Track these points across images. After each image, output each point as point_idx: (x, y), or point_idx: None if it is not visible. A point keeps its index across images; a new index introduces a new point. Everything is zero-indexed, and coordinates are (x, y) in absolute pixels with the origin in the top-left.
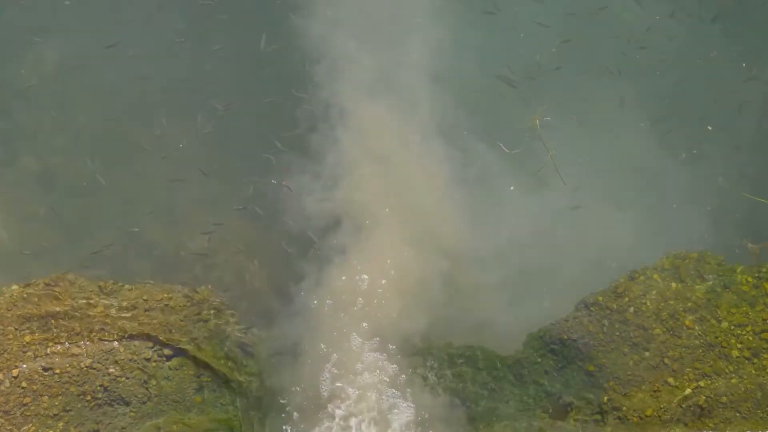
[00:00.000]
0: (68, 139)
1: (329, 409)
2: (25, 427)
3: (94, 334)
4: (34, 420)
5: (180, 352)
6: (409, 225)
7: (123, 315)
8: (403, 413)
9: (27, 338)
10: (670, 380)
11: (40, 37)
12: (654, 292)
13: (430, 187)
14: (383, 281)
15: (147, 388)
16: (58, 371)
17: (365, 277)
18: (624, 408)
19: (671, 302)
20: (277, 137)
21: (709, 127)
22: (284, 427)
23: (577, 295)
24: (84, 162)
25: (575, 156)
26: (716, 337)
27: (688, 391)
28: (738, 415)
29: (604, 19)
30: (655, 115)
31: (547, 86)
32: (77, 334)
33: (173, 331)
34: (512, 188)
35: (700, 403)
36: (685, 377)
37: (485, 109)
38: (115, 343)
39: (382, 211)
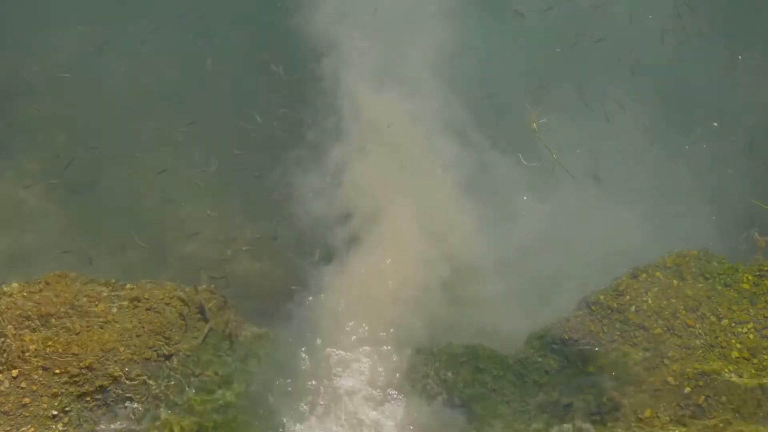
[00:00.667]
0: (70, 137)
1: (328, 409)
2: (24, 428)
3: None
4: (33, 421)
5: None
6: (413, 225)
7: (124, 314)
8: (403, 413)
9: (26, 337)
10: (670, 380)
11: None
12: (655, 290)
13: (435, 186)
14: (385, 281)
15: (146, 388)
16: (57, 371)
17: (368, 276)
18: (624, 408)
19: (672, 300)
20: (280, 137)
21: (715, 124)
22: (282, 427)
23: (579, 293)
24: (86, 160)
25: (577, 155)
26: (716, 337)
27: (687, 390)
28: (738, 416)
29: (604, 20)
30: (658, 114)
31: (551, 86)
32: (77, 333)
33: (173, 330)
34: (525, 198)
35: (699, 402)
36: (685, 377)
37: (491, 108)
38: (116, 342)
39: (387, 210)
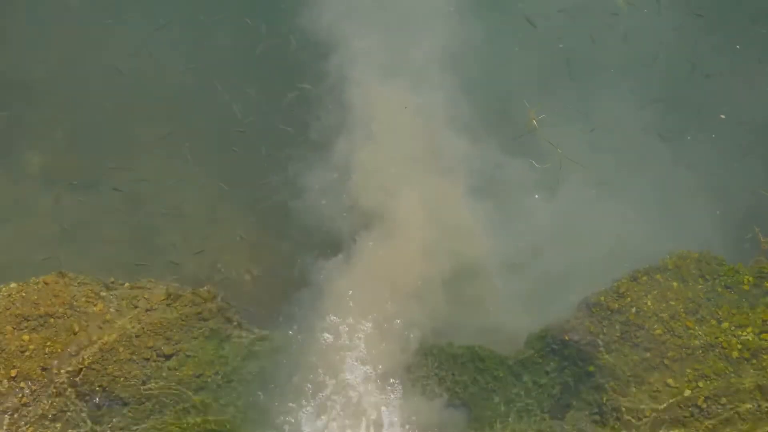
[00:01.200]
0: (71, 137)
1: (329, 409)
2: (23, 428)
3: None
4: (32, 420)
5: (179, 352)
6: (415, 222)
7: (123, 314)
8: (404, 414)
9: (25, 337)
10: (670, 381)
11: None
12: (656, 292)
13: (440, 183)
14: (388, 281)
15: (146, 388)
16: (56, 371)
17: (371, 277)
18: (623, 408)
19: (672, 302)
20: (287, 134)
21: (722, 116)
22: (283, 427)
23: (580, 294)
24: (86, 160)
25: (579, 157)
26: (716, 338)
27: (687, 392)
28: (737, 416)
29: (606, 17)
30: (660, 112)
31: (552, 86)
32: (76, 333)
33: (174, 330)
34: (537, 196)
35: (698, 403)
36: (685, 378)
37: (495, 105)
38: (115, 342)
39: (391, 207)
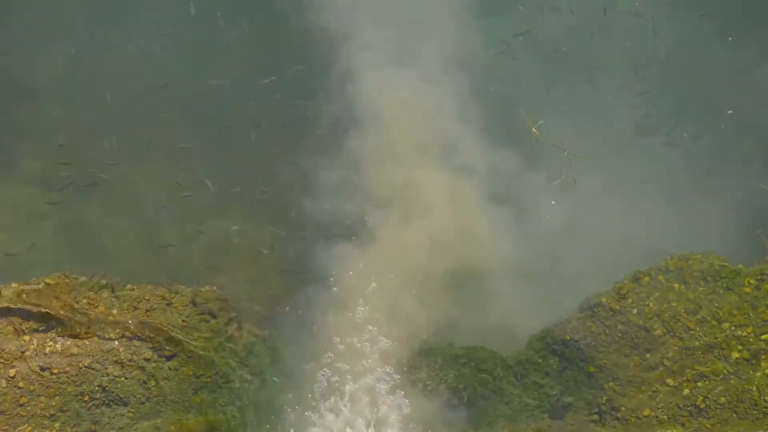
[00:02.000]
0: (72, 138)
1: (328, 409)
2: (21, 427)
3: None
4: (30, 420)
5: (180, 352)
6: (418, 222)
7: (125, 315)
8: (404, 413)
9: (25, 338)
10: (669, 381)
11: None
12: (657, 293)
13: (446, 181)
14: (389, 281)
15: (146, 389)
16: (56, 371)
17: (372, 278)
18: (622, 408)
19: (674, 303)
20: (293, 129)
21: (729, 111)
22: (283, 427)
23: (582, 295)
24: (87, 160)
25: (580, 159)
26: (716, 338)
27: (686, 391)
28: (735, 415)
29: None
30: (663, 113)
31: (554, 90)
32: (77, 334)
33: (174, 330)
34: (553, 203)
35: (697, 403)
36: (684, 378)
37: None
38: (115, 342)
39: (395, 205)
